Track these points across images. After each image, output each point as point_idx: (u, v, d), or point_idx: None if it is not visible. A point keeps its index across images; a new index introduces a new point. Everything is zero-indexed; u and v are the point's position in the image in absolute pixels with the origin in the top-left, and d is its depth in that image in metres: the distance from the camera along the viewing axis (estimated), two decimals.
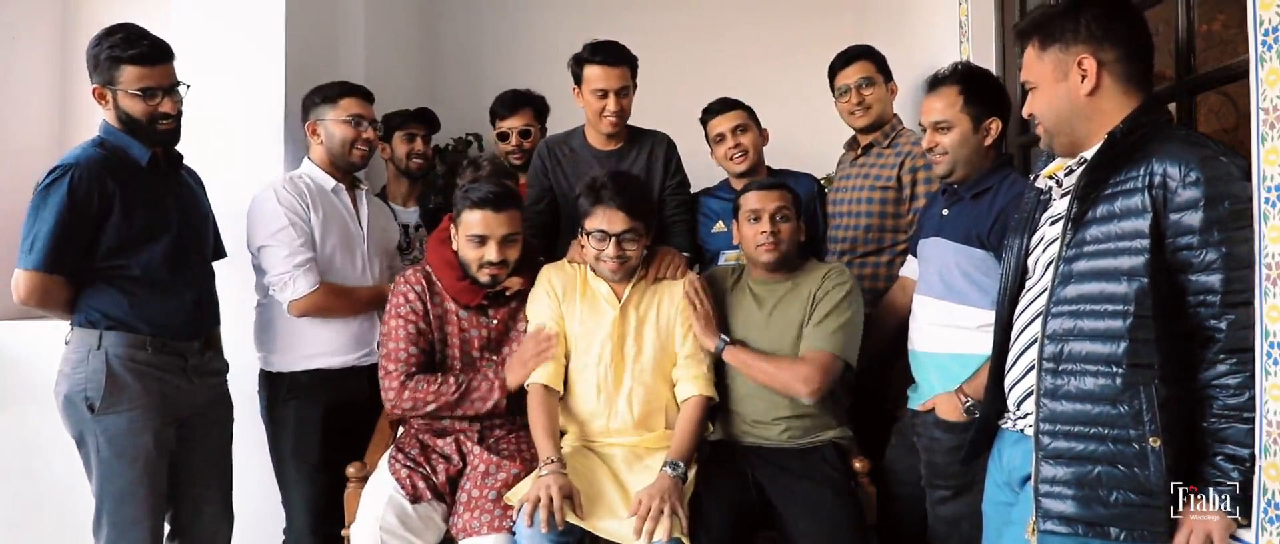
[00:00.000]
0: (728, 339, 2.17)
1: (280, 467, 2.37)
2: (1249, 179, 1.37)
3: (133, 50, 2.01)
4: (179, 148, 2.20)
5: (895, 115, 2.69)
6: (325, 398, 2.35)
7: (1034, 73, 1.57)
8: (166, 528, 2.21)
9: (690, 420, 2.10)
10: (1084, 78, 1.50)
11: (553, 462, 1.97)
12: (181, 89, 2.11)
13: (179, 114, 2.11)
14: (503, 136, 3.09)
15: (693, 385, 2.15)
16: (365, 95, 2.46)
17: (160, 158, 2.13)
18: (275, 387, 2.36)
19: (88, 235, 1.98)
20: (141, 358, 2.04)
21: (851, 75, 2.63)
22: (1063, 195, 1.57)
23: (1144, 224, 1.39)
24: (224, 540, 2.30)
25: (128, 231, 2.01)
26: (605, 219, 2.10)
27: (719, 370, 2.22)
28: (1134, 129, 1.45)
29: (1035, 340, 1.51)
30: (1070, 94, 1.52)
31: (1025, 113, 1.62)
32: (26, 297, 1.97)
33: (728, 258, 2.68)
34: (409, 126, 2.92)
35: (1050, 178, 1.61)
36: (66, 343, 2.07)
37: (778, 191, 2.22)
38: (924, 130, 2.12)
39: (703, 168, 2.89)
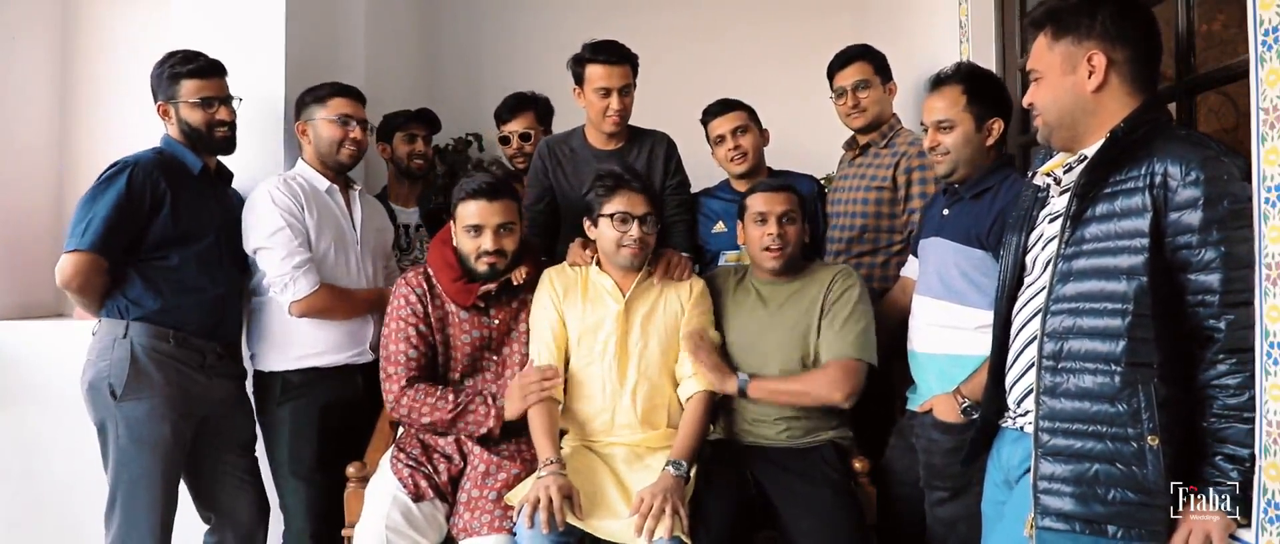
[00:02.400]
0: (748, 376, 2.14)
1: (277, 469, 2.37)
2: (1250, 179, 1.37)
3: (190, 65, 2.24)
4: (226, 161, 2.37)
5: (894, 115, 2.68)
6: (321, 398, 2.35)
7: (1041, 62, 1.57)
8: (211, 521, 2.36)
9: (695, 418, 2.11)
10: (1092, 74, 1.50)
11: (552, 462, 1.97)
12: (235, 102, 2.31)
13: (234, 123, 2.31)
14: (504, 141, 3.10)
15: (697, 381, 2.16)
16: (355, 95, 2.47)
17: (212, 170, 2.32)
18: (269, 387, 2.36)
19: (137, 227, 2.13)
20: (164, 350, 2.14)
21: (848, 77, 2.62)
22: (1062, 193, 1.56)
23: (1144, 223, 1.39)
24: (261, 529, 2.39)
25: (172, 230, 2.17)
26: (627, 202, 2.14)
27: (729, 399, 2.21)
28: (1135, 127, 1.45)
29: (1035, 338, 1.52)
30: (1076, 88, 1.52)
31: (1025, 102, 1.62)
32: (71, 277, 2.08)
33: (728, 258, 2.68)
34: (410, 127, 2.92)
35: (1048, 175, 1.61)
36: (93, 334, 2.18)
37: (784, 193, 2.22)
38: (926, 129, 2.12)
39: (702, 168, 2.89)
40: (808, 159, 3.05)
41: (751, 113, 2.76)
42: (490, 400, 2.16)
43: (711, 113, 2.76)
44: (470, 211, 2.13)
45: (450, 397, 2.14)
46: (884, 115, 2.65)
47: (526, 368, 2.18)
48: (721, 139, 2.72)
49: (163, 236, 2.16)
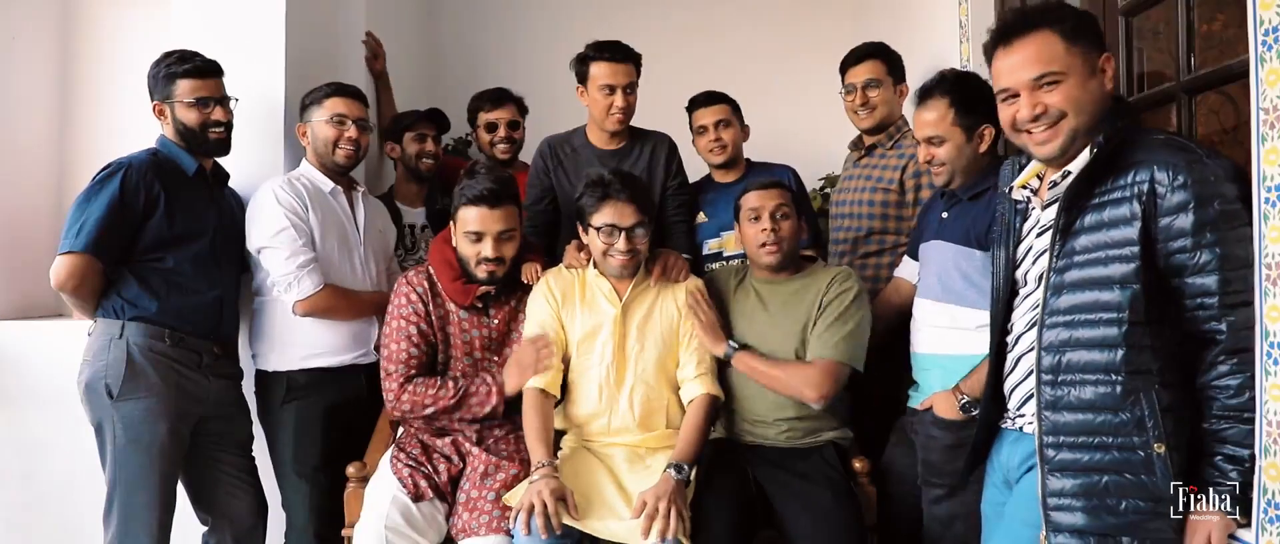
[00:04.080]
0: (736, 345, 2.16)
1: (281, 468, 2.37)
2: (1237, 179, 1.38)
3: (186, 65, 2.23)
4: (222, 162, 2.36)
5: (902, 116, 2.67)
6: (324, 398, 2.35)
7: (1062, 62, 1.48)
8: (208, 522, 2.36)
9: (696, 422, 2.10)
10: (1107, 76, 1.51)
11: (544, 466, 1.96)
12: (232, 103, 2.30)
13: (229, 124, 2.29)
14: (491, 128, 3.11)
15: (699, 385, 2.15)
16: (354, 95, 2.46)
17: (207, 171, 2.31)
18: (273, 387, 2.36)
19: (131, 229, 2.13)
20: (160, 349, 2.14)
21: (859, 74, 2.61)
22: (1047, 205, 1.56)
23: (1133, 231, 1.39)
24: (259, 528, 2.39)
25: (167, 231, 2.17)
26: (615, 213, 2.12)
27: (721, 369, 2.22)
28: (1112, 135, 1.46)
29: (1033, 346, 1.51)
30: (1102, 91, 1.51)
31: (1039, 107, 1.49)
32: (66, 279, 2.07)
33: (710, 246, 2.72)
34: (419, 127, 2.94)
35: (1024, 187, 1.61)
36: (89, 334, 2.17)
37: (776, 190, 2.23)
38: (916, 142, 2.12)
39: (702, 167, 2.89)
40: (807, 159, 3.05)
41: (735, 107, 2.79)
42: (491, 378, 2.16)
43: (697, 103, 2.81)
44: (471, 218, 2.13)
45: (451, 384, 2.15)
46: (892, 116, 2.63)
47: (522, 344, 2.17)
48: (703, 130, 2.76)
49: (158, 238, 2.15)
